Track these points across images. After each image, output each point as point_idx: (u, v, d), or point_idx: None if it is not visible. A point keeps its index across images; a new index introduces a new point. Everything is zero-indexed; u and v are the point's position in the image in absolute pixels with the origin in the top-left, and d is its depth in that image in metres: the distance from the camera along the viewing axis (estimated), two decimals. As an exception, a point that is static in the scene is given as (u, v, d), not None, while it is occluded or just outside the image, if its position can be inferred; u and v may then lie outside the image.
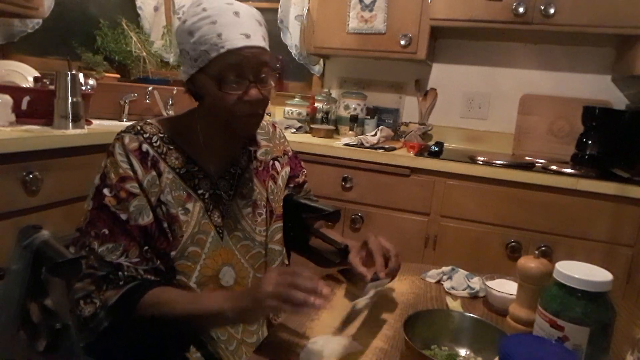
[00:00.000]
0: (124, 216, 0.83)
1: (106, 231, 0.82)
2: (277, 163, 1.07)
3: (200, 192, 0.92)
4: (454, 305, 0.93)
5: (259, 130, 1.07)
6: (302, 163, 1.16)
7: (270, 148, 1.07)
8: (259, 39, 0.86)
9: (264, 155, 1.05)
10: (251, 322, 0.92)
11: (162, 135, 0.91)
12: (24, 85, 1.87)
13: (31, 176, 1.44)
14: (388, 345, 0.77)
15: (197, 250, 0.90)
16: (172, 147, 0.91)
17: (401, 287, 1.01)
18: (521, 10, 1.91)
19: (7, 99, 1.58)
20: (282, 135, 1.13)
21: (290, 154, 1.13)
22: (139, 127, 0.90)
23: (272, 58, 0.89)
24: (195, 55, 0.84)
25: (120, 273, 0.81)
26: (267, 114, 2.50)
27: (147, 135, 0.89)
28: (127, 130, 0.89)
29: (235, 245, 0.96)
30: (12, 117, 1.60)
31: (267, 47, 0.88)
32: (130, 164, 0.85)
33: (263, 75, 0.87)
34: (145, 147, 0.87)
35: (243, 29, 0.84)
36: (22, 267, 0.62)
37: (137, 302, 0.80)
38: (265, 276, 0.75)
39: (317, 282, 0.72)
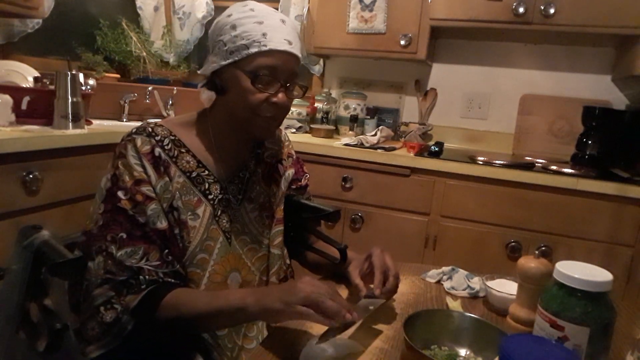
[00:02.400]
0: (142, 219, 0.81)
1: (124, 235, 0.80)
2: (280, 166, 1.07)
3: (210, 197, 0.91)
4: (454, 305, 0.93)
5: None
6: (305, 167, 1.16)
7: (275, 151, 1.07)
8: (297, 49, 0.88)
9: (270, 157, 1.06)
10: (273, 322, 0.87)
11: (173, 137, 0.90)
12: (24, 85, 1.87)
13: (31, 176, 1.44)
14: (388, 345, 0.77)
15: (205, 257, 0.89)
16: (183, 150, 0.90)
17: (401, 287, 1.00)
18: (521, 10, 1.91)
19: (7, 99, 1.58)
20: (287, 137, 1.13)
21: (294, 156, 1.13)
22: (150, 129, 0.88)
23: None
24: (233, 48, 0.85)
25: (141, 277, 0.80)
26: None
27: (159, 137, 0.88)
28: (138, 131, 0.87)
29: (242, 249, 0.95)
30: (12, 117, 1.60)
31: (300, 60, 0.91)
32: (144, 167, 0.84)
33: (291, 84, 0.90)
34: (157, 150, 0.86)
35: (287, 36, 0.86)
36: (22, 267, 0.62)
37: (158, 303, 0.79)
38: (298, 281, 0.74)
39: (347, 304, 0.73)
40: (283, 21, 0.87)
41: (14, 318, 0.62)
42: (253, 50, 0.84)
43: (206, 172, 0.92)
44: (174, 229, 0.85)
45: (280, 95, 0.87)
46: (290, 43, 0.86)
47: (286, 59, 0.86)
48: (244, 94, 0.86)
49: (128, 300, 0.79)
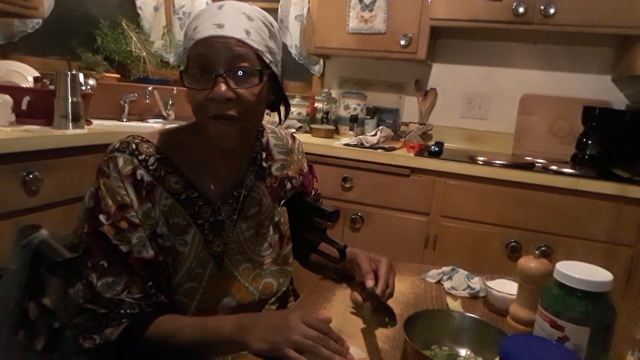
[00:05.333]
0: (124, 248, 0.76)
1: (105, 263, 0.75)
2: (289, 184, 1.01)
3: (199, 222, 0.85)
4: (454, 305, 0.93)
5: (275, 142, 1.00)
6: (316, 182, 1.10)
7: (287, 162, 1.00)
8: (235, 30, 0.76)
9: (280, 170, 0.99)
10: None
11: (159, 156, 0.82)
12: (24, 85, 1.87)
13: (31, 176, 1.44)
14: (388, 345, 0.77)
15: (194, 285, 0.84)
16: (170, 170, 0.83)
17: (401, 287, 1.01)
18: (521, 10, 1.91)
19: (7, 99, 1.58)
20: (301, 149, 1.06)
21: (305, 170, 1.07)
22: (133, 146, 0.80)
23: (259, 55, 0.79)
24: (184, 55, 0.81)
25: (122, 311, 0.75)
26: (268, 114, 2.50)
27: (143, 156, 0.80)
28: (121, 149, 0.80)
29: (237, 269, 0.90)
30: (12, 117, 1.60)
31: (253, 43, 0.77)
32: (126, 190, 0.78)
33: (239, 71, 0.77)
34: (139, 173, 0.79)
35: (218, 20, 0.76)
36: (21, 267, 0.62)
37: (141, 334, 0.76)
38: (290, 317, 0.69)
39: (344, 343, 0.70)
40: (220, 7, 0.78)
41: (12, 317, 0.62)
42: (188, 48, 0.78)
43: (196, 194, 0.85)
44: (159, 256, 0.80)
45: (217, 87, 0.75)
46: (220, 26, 0.75)
47: (216, 44, 0.75)
48: (189, 99, 0.79)
49: (107, 333, 0.75)
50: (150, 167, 0.81)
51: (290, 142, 1.04)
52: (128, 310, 0.76)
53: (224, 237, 0.88)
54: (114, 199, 0.77)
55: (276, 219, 0.98)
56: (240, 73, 0.77)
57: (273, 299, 0.97)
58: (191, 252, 0.84)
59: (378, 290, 0.87)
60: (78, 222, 0.80)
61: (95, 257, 0.75)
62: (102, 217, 0.76)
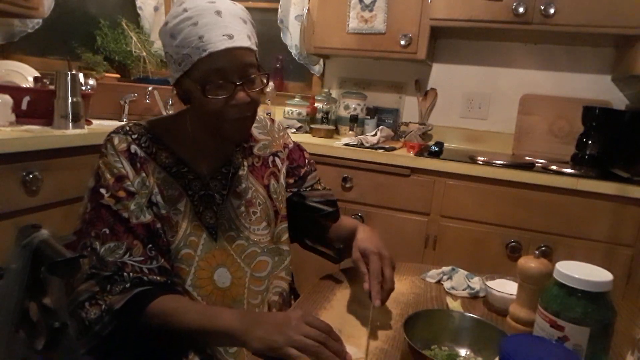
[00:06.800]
0: (125, 214, 0.82)
1: (107, 230, 0.81)
2: (277, 159, 1.05)
3: (190, 192, 0.91)
4: (454, 305, 0.93)
5: (255, 124, 1.05)
6: (307, 153, 1.13)
7: (268, 142, 1.05)
8: (242, 39, 0.82)
9: (262, 149, 1.03)
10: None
11: (150, 136, 0.90)
12: (24, 85, 1.87)
13: (31, 176, 1.44)
14: (388, 345, 0.77)
15: (190, 252, 0.89)
16: (161, 147, 0.90)
17: (401, 287, 1.01)
18: (521, 10, 1.91)
19: (7, 99, 1.58)
20: (280, 127, 1.10)
21: (290, 146, 1.10)
22: (127, 128, 0.89)
23: (259, 57, 0.87)
24: (179, 59, 0.82)
25: (125, 274, 0.80)
26: (267, 114, 2.50)
27: (136, 135, 0.89)
28: (116, 131, 0.89)
29: (230, 245, 0.94)
30: (12, 117, 1.60)
31: (254, 46, 0.85)
32: (122, 164, 0.85)
33: (250, 76, 0.85)
34: (133, 148, 0.87)
35: (226, 30, 0.80)
36: (21, 266, 0.62)
37: (143, 308, 0.79)
38: (289, 318, 0.70)
39: (343, 344, 0.69)
40: (219, 12, 0.81)
41: (13, 317, 0.62)
42: (195, 58, 0.80)
43: (185, 169, 0.91)
44: (157, 223, 0.86)
45: (238, 95, 0.83)
46: (230, 37, 0.80)
47: (231, 56, 0.81)
48: (201, 104, 0.84)
49: (112, 300, 0.78)
50: (143, 145, 0.89)
51: (269, 123, 1.09)
52: (131, 274, 0.80)
53: (215, 211, 0.93)
54: (111, 173, 0.85)
55: (273, 195, 1.01)
56: (251, 78, 0.85)
57: (278, 291, 0.99)
58: (185, 219, 0.89)
59: (373, 293, 0.84)
60: (82, 208, 0.86)
61: (97, 226, 0.82)
62: (102, 190, 0.84)
